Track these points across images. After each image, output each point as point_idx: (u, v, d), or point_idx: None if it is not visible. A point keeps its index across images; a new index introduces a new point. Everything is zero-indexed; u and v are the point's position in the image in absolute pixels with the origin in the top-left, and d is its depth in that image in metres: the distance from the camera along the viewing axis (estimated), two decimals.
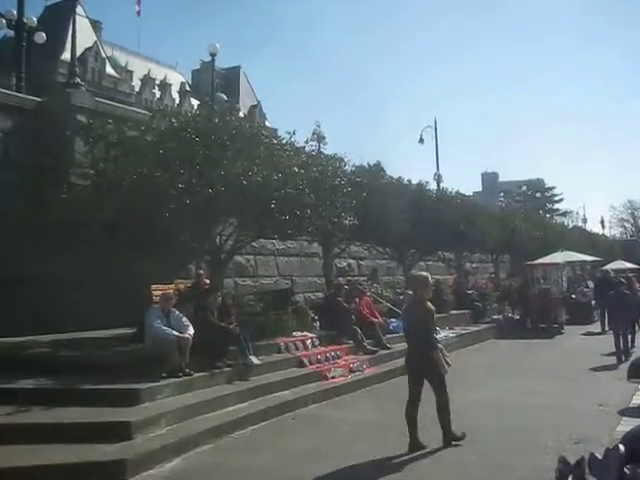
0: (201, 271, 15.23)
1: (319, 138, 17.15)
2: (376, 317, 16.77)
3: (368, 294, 17.95)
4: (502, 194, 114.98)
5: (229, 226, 14.61)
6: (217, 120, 13.85)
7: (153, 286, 13.42)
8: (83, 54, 62.55)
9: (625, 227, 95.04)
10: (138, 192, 12.14)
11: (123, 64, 77.75)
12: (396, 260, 25.46)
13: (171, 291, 12.38)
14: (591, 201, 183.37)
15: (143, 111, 17.05)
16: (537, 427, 9.30)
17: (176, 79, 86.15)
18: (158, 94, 79.98)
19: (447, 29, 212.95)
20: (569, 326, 24.26)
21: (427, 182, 27.30)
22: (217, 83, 37.41)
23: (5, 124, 14.61)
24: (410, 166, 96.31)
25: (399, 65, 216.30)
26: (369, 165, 22.17)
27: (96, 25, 73.61)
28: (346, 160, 18.48)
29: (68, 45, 46.12)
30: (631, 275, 24.12)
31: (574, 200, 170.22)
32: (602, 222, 76.67)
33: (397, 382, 13.91)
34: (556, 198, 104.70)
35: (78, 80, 17.50)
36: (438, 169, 38.59)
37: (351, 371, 13.73)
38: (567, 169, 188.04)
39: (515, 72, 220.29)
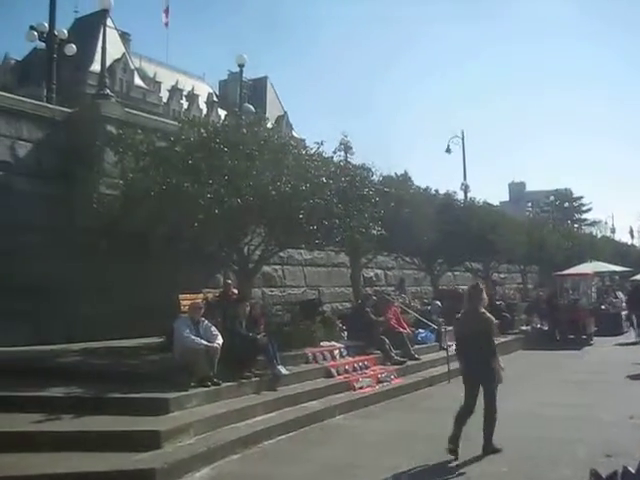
0: (229, 281, 15.27)
1: (346, 148, 17.11)
2: (404, 327, 16.72)
3: (396, 304, 17.88)
4: (530, 204, 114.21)
5: (257, 236, 14.62)
6: (245, 130, 13.91)
7: (181, 295, 13.48)
8: (112, 65, 63.37)
9: None
10: (167, 202, 12.18)
11: (151, 75, 78.72)
12: (424, 270, 25.40)
13: (200, 301, 12.43)
14: (620, 211, 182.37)
15: (172, 122, 17.17)
16: (568, 439, 9.19)
17: (203, 90, 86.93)
18: (186, 105, 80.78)
19: (464, 33, 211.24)
20: (598, 337, 23.96)
21: (455, 192, 27.42)
22: (244, 93, 37.52)
23: (36, 135, 14.83)
24: (432, 174, 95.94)
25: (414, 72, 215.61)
26: (397, 175, 22.15)
27: (125, 37, 74.75)
28: (374, 170, 18.53)
29: (97, 57, 46.89)
30: None
31: (602, 210, 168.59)
32: (631, 232, 76.19)
33: (425, 393, 13.92)
34: (584, 208, 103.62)
35: (108, 91, 17.65)
36: (465, 179, 38.78)
37: (379, 381, 13.67)
38: (595, 178, 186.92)
39: (544, 80, 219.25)
